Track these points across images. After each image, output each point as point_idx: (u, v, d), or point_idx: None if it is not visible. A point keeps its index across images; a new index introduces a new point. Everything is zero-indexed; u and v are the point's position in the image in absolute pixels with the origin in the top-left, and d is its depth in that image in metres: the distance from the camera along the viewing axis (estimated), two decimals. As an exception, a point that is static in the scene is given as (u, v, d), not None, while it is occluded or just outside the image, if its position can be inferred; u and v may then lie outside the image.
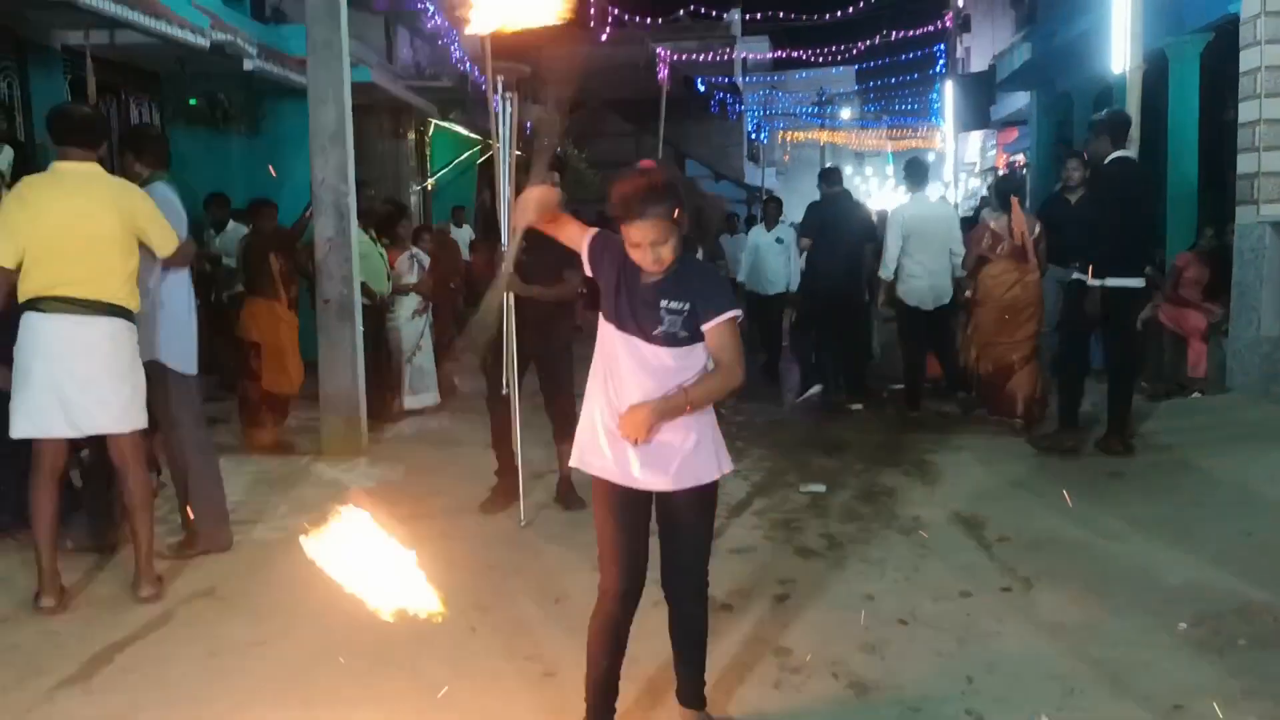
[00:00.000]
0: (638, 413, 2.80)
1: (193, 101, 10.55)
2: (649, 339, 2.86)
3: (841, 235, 8.46)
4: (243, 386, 7.26)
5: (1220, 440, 6.66)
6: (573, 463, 3.06)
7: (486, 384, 5.69)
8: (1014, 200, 7.68)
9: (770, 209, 10.81)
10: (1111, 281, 6.27)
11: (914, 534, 5.17)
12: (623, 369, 2.89)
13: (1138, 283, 6.45)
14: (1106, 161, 6.46)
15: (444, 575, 4.70)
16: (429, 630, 4.12)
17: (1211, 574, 4.47)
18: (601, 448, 2.94)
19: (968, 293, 7.82)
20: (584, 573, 4.16)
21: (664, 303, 2.84)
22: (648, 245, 2.80)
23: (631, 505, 2.96)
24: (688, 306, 2.84)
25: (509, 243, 4.79)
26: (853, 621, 4.09)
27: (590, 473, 3.01)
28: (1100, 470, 6.16)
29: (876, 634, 3.97)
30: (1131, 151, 6.59)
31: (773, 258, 10.27)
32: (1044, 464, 6.40)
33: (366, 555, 5.04)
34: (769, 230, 10.42)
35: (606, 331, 2.94)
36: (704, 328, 2.85)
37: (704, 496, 2.98)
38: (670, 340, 2.85)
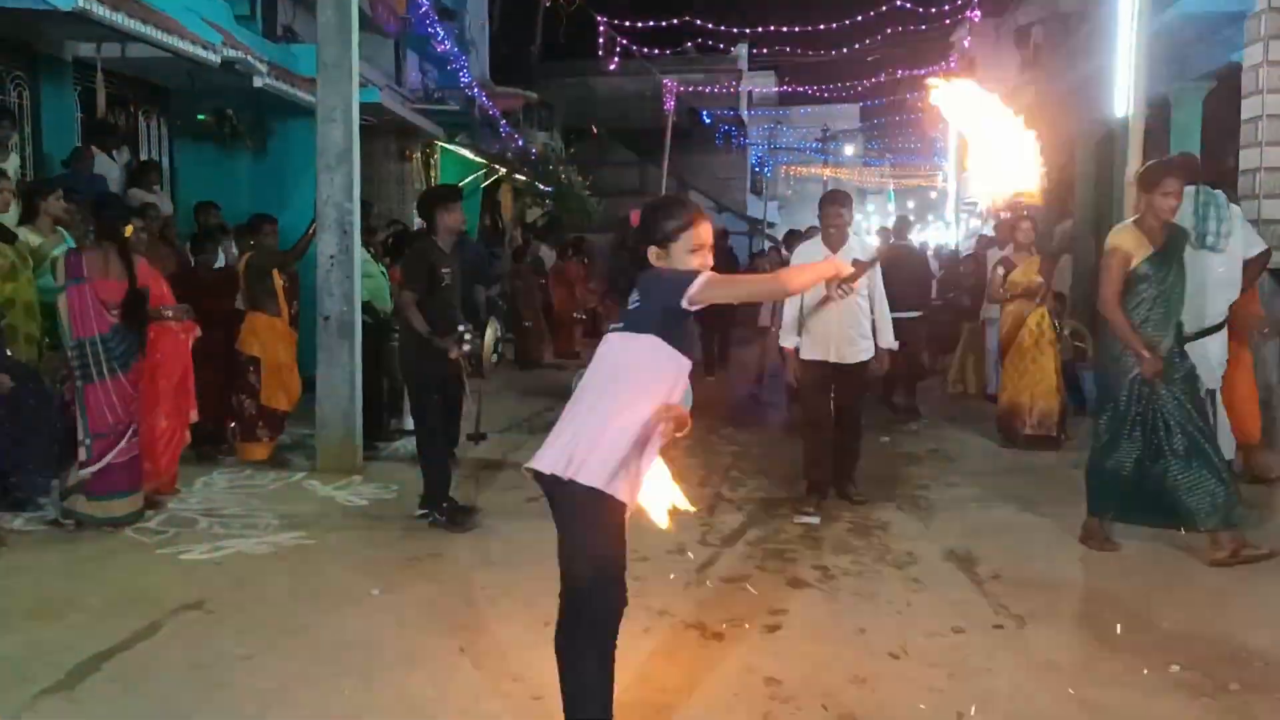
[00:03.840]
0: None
1: (201, 117, 10.62)
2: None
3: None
4: (239, 400, 7.26)
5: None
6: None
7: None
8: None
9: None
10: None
11: (907, 568, 5.15)
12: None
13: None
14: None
15: (433, 594, 4.71)
16: (417, 649, 4.12)
17: (1205, 617, 4.45)
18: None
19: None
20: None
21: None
22: (708, 247, 3.04)
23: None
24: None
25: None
26: (844, 654, 4.07)
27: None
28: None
29: (868, 667, 3.94)
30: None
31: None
32: (1037, 503, 6.38)
33: (357, 572, 5.06)
34: None
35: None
36: (689, 304, 2.87)
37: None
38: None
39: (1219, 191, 6.23)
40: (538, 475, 2.92)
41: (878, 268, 6.19)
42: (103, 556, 5.20)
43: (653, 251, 3.04)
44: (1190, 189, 6.07)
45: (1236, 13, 8.56)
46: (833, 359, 6.24)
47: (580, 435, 2.88)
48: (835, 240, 6.30)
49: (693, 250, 3.00)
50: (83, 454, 5.55)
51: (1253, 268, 6.29)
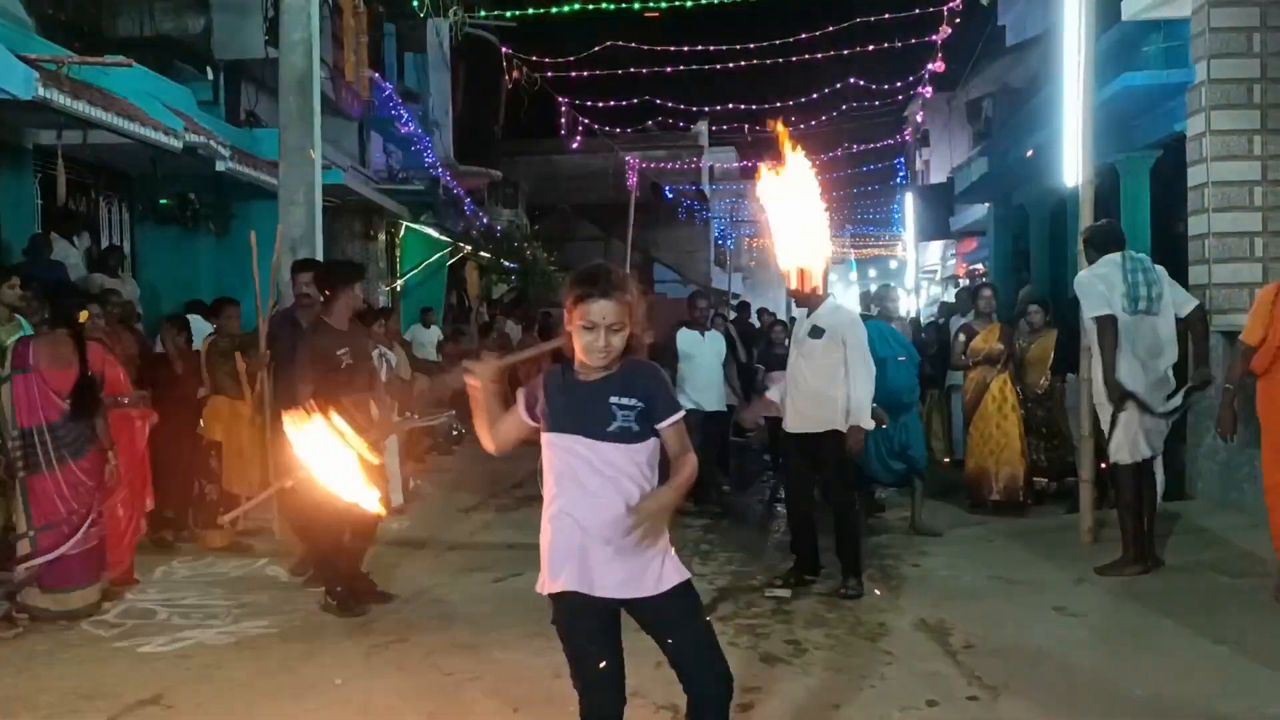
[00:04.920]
0: (653, 504, 2.82)
1: (164, 201, 10.63)
2: (599, 437, 2.86)
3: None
4: (199, 485, 7.14)
5: (1181, 547, 6.69)
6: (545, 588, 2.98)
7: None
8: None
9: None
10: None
11: (879, 640, 5.11)
12: (576, 474, 2.89)
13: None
14: None
15: (398, 683, 4.60)
16: (382, 741, 4.01)
17: (1178, 684, 4.43)
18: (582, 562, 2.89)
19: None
20: (542, 680, 4.08)
21: (614, 399, 2.86)
22: (604, 328, 2.81)
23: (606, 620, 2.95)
24: (640, 405, 2.87)
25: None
26: (818, 732, 4.01)
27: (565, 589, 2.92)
28: (1064, 577, 6.15)
29: (842, 745, 3.89)
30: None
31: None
32: (1007, 570, 6.38)
33: (320, 661, 4.94)
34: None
35: (550, 445, 2.95)
36: (660, 426, 2.89)
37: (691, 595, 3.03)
38: (624, 436, 2.86)
39: (1143, 255, 6.33)
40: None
41: (856, 330, 6.03)
42: (57, 650, 5.05)
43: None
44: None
45: (1178, 85, 8.85)
46: (794, 429, 6.11)
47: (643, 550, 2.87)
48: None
49: (589, 328, 2.85)
50: (25, 546, 5.41)
51: (1197, 329, 6.26)
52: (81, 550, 5.50)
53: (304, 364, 5.68)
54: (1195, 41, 8.35)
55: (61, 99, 7.07)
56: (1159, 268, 6.21)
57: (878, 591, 5.95)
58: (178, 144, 8.56)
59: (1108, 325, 5.98)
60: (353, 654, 5.02)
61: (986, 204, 19.53)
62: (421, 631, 5.34)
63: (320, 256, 7.15)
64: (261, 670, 4.80)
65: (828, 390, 5.98)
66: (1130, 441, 6.01)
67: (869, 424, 6.03)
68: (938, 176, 27.76)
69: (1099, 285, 6.04)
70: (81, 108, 7.31)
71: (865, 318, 7.04)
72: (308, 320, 6.15)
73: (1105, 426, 6.14)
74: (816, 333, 5.99)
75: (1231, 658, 4.74)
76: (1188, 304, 6.26)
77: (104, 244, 9.85)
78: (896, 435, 7.30)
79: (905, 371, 7.44)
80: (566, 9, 15.08)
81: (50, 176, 8.62)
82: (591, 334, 2.83)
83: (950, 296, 23.07)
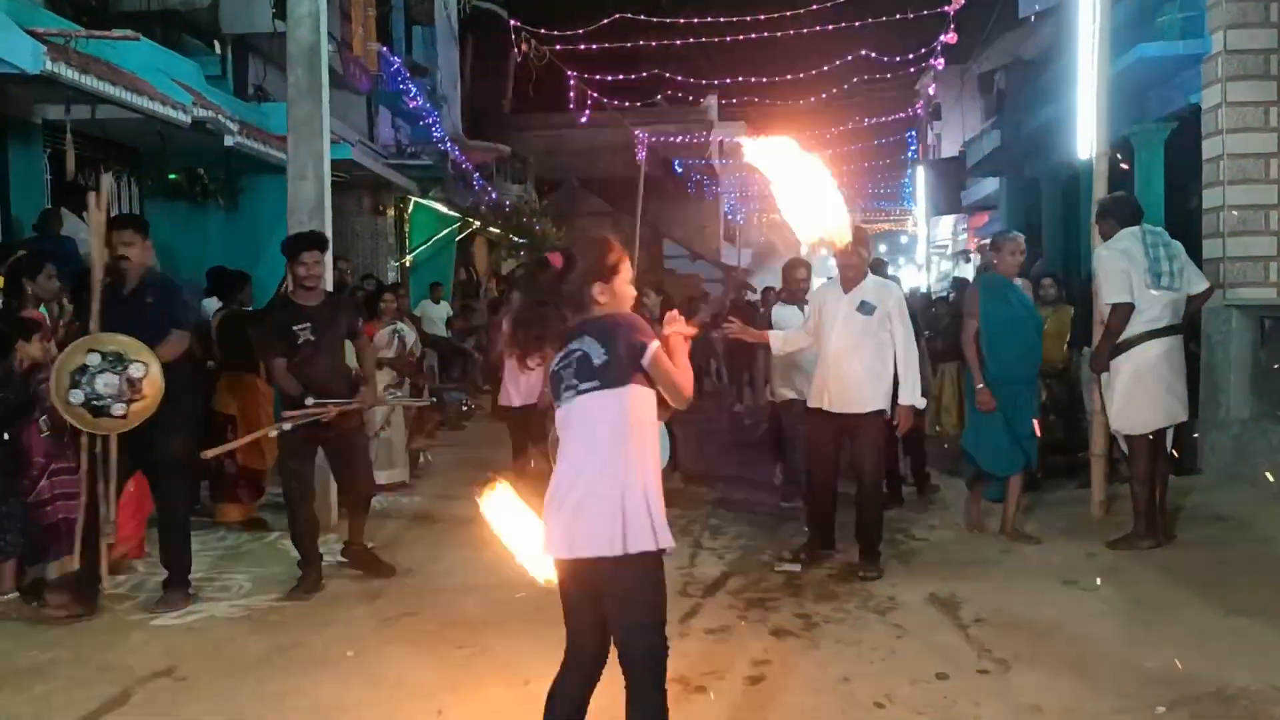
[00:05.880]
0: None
1: (173, 176, 10.61)
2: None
3: None
4: (216, 460, 7.14)
5: (1192, 522, 6.68)
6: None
7: None
8: None
9: None
10: None
11: (889, 614, 5.11)
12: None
13: None
14: None
15: (410, 656, 4.63)
16: (394, 713, 4.03)
17: (1188, 656, 4.42)
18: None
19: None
20: (554, 652, 4.08)
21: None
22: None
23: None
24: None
25: None
26: (829, 704, 4.02)
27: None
28: (1075, 551, 6.14)
29: (853, 717, 3.90)
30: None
31: None
32: (1017, 544, 6.37)
33: (331, 634, 4.96)
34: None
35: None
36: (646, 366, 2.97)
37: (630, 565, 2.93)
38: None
39: (1161, 229, 6.27)
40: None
41: (902, 307, 5.84)
42: (72, 624, 5.08)
43: (598, 288, 3.03)
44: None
45: (1194, 56, 8.75)
46: (834, 408, 5.78)
47: (614, 507, 2.87)
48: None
49: (631, 281, 3.09)
50: None
51: (1196, 302, 6.31)
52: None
53: (259, 340, 5.71)
54: (1211, 11, 8.25)
55: (69, 73, 7.04)
56: (1176, 243, 6.16)
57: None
58: (186, 118, 8.52)
59: (1123, 312, 5.93)
60: (364, 627, 5.05)
61: (998, 178, 19.39)
62: (433, 605, 5.36)
63: (329, 232, 7.12)
64: (274, 643, 4.83)
65: (878, 369, 5.75)
66: (1145, 411, 5.99)
67: (921, 403, 5.98)
68: (949, 150, 27.53)
69: (1120, 263, 5.94)
70: (89, 82, 7.27)
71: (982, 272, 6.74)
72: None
73: (1109, 396, 6.13)
74: (867, 309, 5.75)
75: (1243, 630, 4.73)
76: (1202, 283, 6.24)
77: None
78: (1020, 414, 6.38)
79: (1030, 334, 6.51)
80: (575, -20, 14.95)
81: (59, 151, 8.59)
82: (633, 285, 3.11)
83: (960, 271, 22.97)
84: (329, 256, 6.43)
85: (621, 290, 3.07)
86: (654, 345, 2.95)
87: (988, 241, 23.03)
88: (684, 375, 3.00)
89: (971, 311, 6.46)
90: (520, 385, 7.40)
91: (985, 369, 6.28)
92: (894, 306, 5.81)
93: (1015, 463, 6.40)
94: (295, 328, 5.54)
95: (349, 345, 6.04)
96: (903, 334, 5.79)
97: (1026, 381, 6.44)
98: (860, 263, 5.80)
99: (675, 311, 3.18)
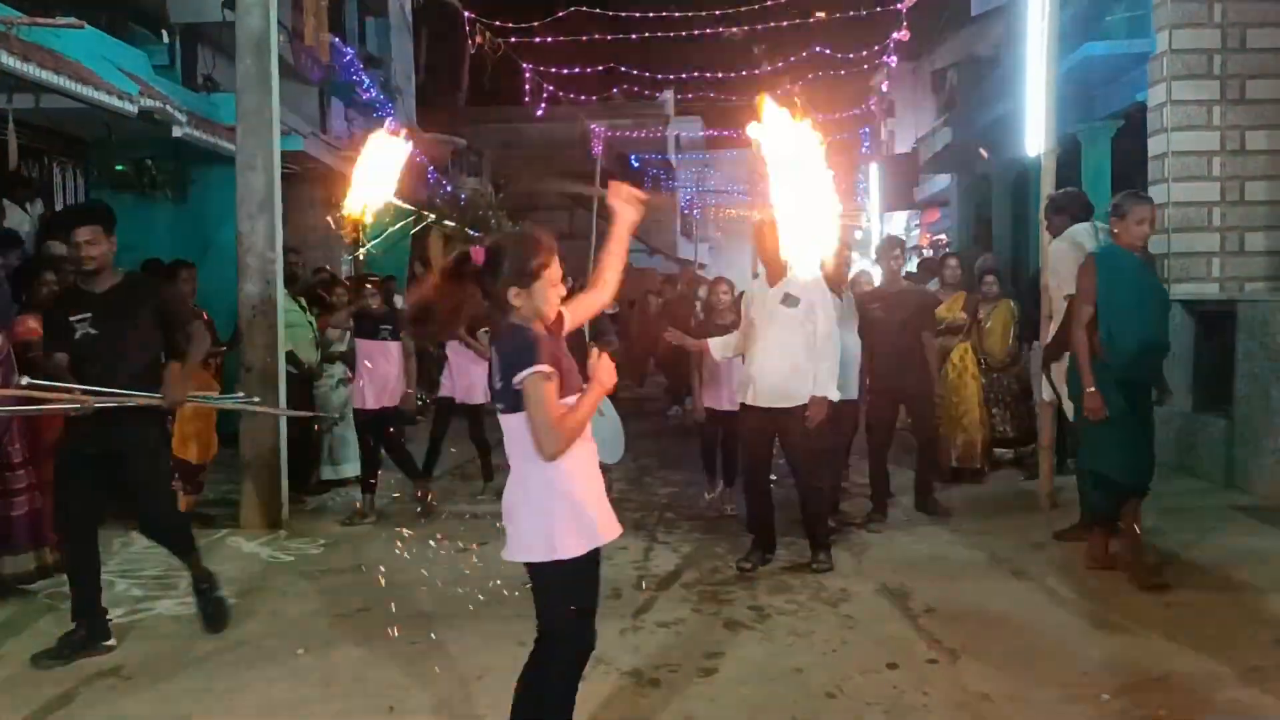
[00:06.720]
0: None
1: (120, 167, 10.41)
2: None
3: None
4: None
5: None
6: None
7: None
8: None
9: None
10: None
11: (841, 605, 5.16)
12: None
13: None
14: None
15: (361, 653, 4.59)
16: (345, 712, 4.00)
17: (1132, 645, 4.52)
18: None
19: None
20: (507, 648, 4.07)
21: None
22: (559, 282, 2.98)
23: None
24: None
25: None
26: (781, 695, 4.05)
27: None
28: (1022, 541, 6.23)
29: (805, 708, 3.93)
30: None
31: None
32: (967, 537, 6.46)
33: (281, 632, 4.91)
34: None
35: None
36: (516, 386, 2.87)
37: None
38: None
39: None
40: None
41: (826, 298, 5.74)
42: (14, 621, 4.98)
43: (513, 292, 2.89)
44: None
45: (1141, 55, 8.91)
46: (762, 404, 5.73)
47: (525, 520, 2.96)
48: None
49: (553, 285, 2.94)
50: None
51: None
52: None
53: (44, 334, 4.84)
54: (1157, 11, 8.41)
55: (11, 61, 6.88)
56: None
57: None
58: (132, 108, 8.36)
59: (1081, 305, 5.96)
60: (315, 624, 5.00)
61: (950, 174, 19.61)
62: (384, 602, 5.30)
63: (280, 223, 7.03)
64: (220, 642, 4.76)
65: (806, 363, 5.65)
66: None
67: (835, 395, 5.75)
68: (903, 146, 27.80)
69: (1077, 254, 5.92)
70: (31, 70, 7.11)
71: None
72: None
73: (1062, 390, 6.19)
74: (791, 301, 5.70)
75: (1182, 615, 4.83)
76: None
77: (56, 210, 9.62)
78: (1144, 423, 5.49)
79: (1159, 322, 5.53)
80: (528, -28, 14.86)
81: (1, 141, 8.40)
82: (558, 289, 2.98)
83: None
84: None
85: (541, 294, 2.90)
86: (528, 374, 2.78)
87: (940, 237, 23.32)
88: (556, 421, 2.78)
89: (1087, 294, 5.40)
90: (457, 380, 7.56)
91: (1099, 366, 5.31)
92: (818, 297, 5.74)
93: (1145, 476, 5.47)
94: (73, 319, 4.58)
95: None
96: (824, 326, 5.67)
97: (1147, 384, 5.49)
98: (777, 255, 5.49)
99: (596, 350, 2.99)
